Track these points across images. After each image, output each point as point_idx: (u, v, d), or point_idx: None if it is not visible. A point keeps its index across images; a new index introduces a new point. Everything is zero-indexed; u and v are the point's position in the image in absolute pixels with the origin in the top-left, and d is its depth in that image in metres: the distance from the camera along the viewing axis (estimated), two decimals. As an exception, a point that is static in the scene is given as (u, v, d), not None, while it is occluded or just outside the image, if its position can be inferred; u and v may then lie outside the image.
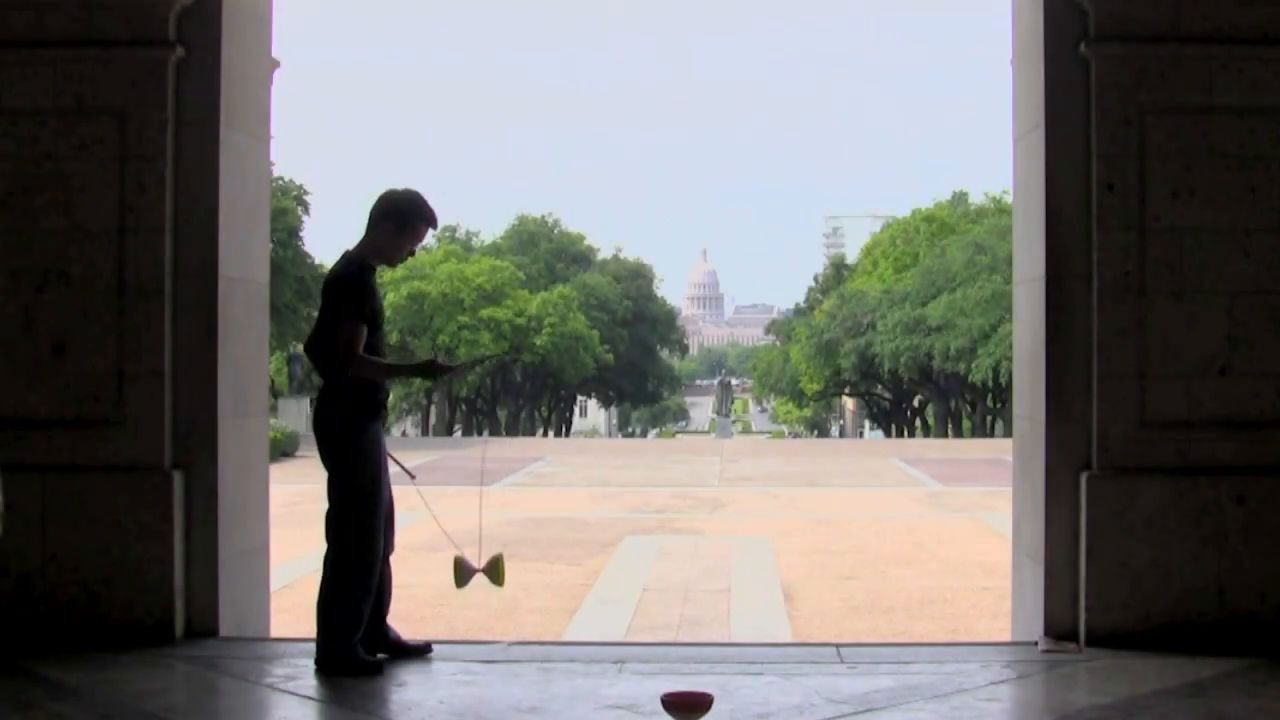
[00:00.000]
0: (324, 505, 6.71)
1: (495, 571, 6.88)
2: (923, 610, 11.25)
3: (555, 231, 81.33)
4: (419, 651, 6.98)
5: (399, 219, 6.75)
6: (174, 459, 7.33)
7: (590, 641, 9.13)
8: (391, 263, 6.89)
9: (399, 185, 6.88)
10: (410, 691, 6.43)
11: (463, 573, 6.86)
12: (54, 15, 7.26)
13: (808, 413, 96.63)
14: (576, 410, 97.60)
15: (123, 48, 7.26)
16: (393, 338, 53.07)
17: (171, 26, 7.30)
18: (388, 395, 6.88)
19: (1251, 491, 7.12)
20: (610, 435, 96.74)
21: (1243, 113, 7.18)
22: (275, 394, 45.79)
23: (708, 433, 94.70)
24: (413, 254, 6.96)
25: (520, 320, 63.84)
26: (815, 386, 71.39)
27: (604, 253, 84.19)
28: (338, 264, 6.78)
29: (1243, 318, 7.16)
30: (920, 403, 69.64)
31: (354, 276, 6.66)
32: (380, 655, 6.84)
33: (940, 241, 62.34)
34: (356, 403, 6.64)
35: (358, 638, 6.66)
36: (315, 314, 6.99)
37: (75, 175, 7.25)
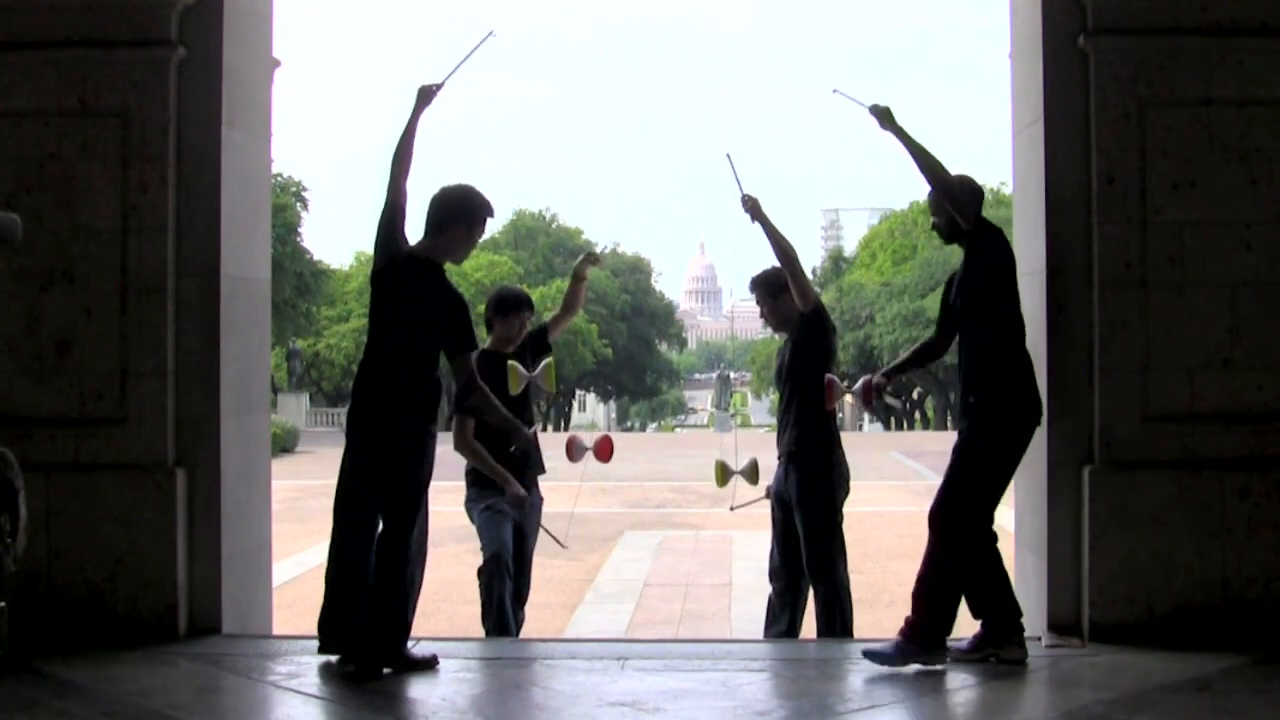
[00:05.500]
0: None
1: (546, 376, 7.42)
2: (924, 604, 11.22)
3: (553, 226, 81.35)
4: (426, 665, 6.68)
5: (469, 220, 6.64)
6: (177, 457, 7.34)
7: (593, 638, 9.14)
8: (459, 261, 6.91)
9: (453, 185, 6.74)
10: (413, 689, 6.42)
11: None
12: (56, 16, 7.27)
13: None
14: (575, 405, 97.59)
15: (125, 48, 7.28)
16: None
17: (173, 26, 7.31)
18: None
19: (1255, 484, 7.10)
20: (609, 430, 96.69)
21: (1242, 104, 7.16)
22: (274, 389, 45.89)
23: (706, 427, 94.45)
24: None
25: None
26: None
27: (601, 247, 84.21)
28: (443, 278, 6.63)
29: (1245, 310, 7.15)
30: (920, 395, 69.64)
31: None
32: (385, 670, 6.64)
33: (939, 234, 62.23)
34: (431, 407, 6.54)
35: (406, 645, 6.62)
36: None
37: (78, 175, 7.27)
